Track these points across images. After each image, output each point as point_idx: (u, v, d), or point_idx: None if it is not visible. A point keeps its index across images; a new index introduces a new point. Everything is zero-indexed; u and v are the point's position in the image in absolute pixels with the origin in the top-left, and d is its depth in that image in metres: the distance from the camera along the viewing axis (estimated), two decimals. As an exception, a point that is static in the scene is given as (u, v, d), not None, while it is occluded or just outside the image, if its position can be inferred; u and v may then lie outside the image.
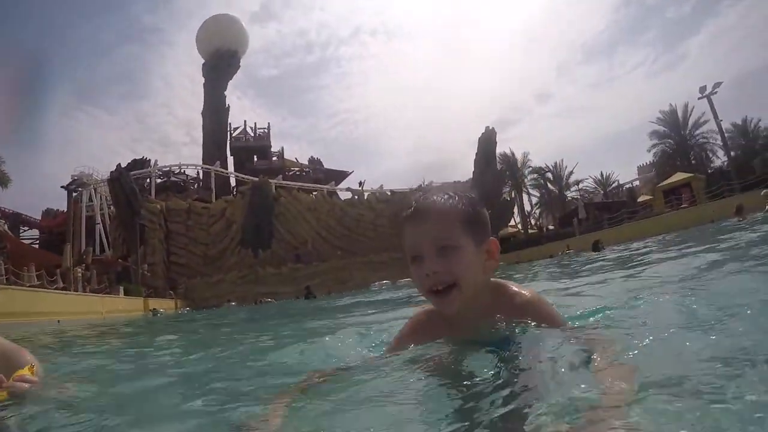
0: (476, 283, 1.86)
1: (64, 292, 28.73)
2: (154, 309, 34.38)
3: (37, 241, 64.07)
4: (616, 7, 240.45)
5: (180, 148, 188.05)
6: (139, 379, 3.05)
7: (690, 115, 60.69)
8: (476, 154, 64.48)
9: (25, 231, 65.85)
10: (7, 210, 57.28)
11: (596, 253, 18.44)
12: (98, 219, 59.83)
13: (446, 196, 1.90)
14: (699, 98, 44.50)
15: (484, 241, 1.88)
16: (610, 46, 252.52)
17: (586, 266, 12.05)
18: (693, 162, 59.51)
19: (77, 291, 31.17)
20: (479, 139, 64.65)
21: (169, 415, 1.90)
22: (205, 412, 1.81)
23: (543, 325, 1.88)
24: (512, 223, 69.38)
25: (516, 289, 2.01)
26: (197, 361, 4.01)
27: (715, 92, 43.10)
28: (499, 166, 66.11)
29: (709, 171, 52.11)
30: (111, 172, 53.60)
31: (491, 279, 2.00)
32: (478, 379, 1.58)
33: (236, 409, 1.70)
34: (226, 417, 1.65)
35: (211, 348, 4.83)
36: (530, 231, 68.34)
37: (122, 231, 52.79)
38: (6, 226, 49.39)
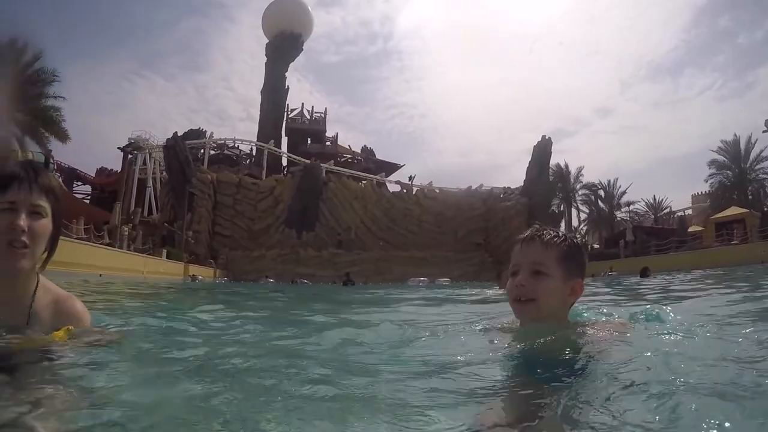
0: (552, 308, 2.28)
1: (109, 248, 29.18)
2: (194, 275, 34.80)
3: (89, 197, 65.50)
4: (686, 27, 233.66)
5: (236, 123, 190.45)
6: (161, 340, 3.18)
7: (753, 148, 59.03)
8: (529, 162, 63.41)
9: (78, 186, 67.25)
10: (63, 164, 58.53)
11: (644, 279, 17.89)
12: (150, 182, 60.86)
13: (554, 233, 2.37)
14: (764, 131, 42.99)
15: (572, 278, 2.28)
16: (678, 66, 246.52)
17: (632, 290, 11.73)
18: (750, 198, 57.72)
19: (122, 249, 31.64)
20: (534, 147, 63.48)
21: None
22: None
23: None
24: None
25: (587, 331, 2.32)
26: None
27: None
28: (551, 177, 64.92)
29: (766, 209, 50.34)
30: (167, 138, 54.53)
31: (568, 317, 2.41)
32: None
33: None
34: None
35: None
36: (575, 247, 67.01)
37: (172, 197, 53.60)
38: (61, 180, 50.45)
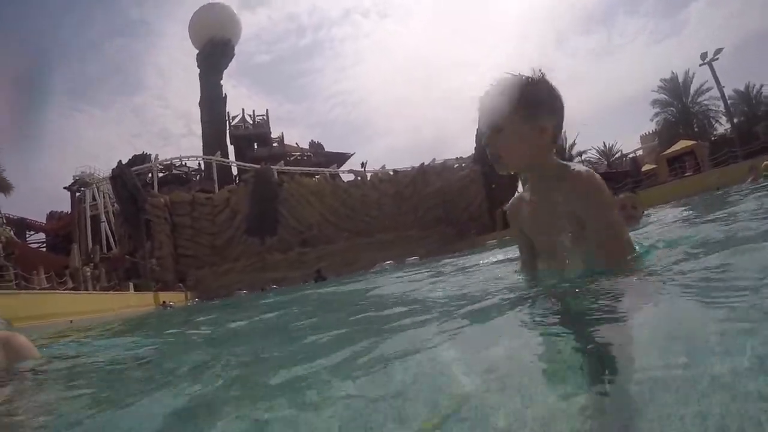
0: (524, 158, 2.30)
1: (74, 292, 28.91)
2: (164, 302, 34.56)
3: (44, 245, 64.43)
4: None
5: (179, 140, 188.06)
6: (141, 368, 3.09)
7: (692, 82, 60.30)
8: (477, 129, 63.83)
9: (31, 235, 66.04)
10: (11, 216, 57.35)
11: None
12: (103, 217, 59.89)
13: (503, 83, 2.27)
14: (700, 65, 43.86)
15: (533, 120, 2.19)
16: (609, 15, 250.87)
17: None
18: (696, 130, 59.04)
19: (87, 290, 31.37)
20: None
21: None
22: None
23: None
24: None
25: (577, 168, 2.28)
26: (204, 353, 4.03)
27: (717, 59, 42.39)
28: (500, 139, 65.50)
29: (713, 138, 51.78)
30: (112, 169, 53.70)
31: (554, 160, 2.35)
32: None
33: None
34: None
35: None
36: (534, 203, 67.84)
37: (128, 227, 52.98)
38: (12, 232, 49.53)
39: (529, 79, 2.25)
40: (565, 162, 2.36)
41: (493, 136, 2.31)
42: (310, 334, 3.09)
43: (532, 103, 2.21)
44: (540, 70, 2.32)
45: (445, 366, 1.57)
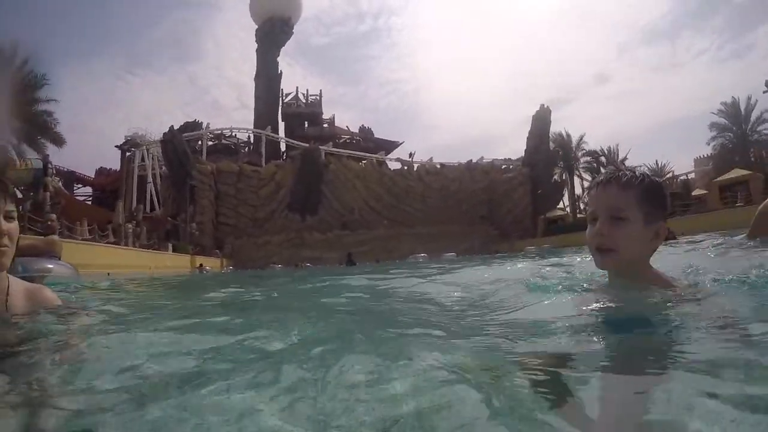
0: (635, 255, 2.12)
1: (115, 246, 29.16)
2: (201, 265, 34.90)
3: (90, 198, 65.51)
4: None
5: (230, 112, 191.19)
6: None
7: (753, 109, 58.44)
8: (529, 132, 63.22)
9: (78, 188, 67.22)
10: (62, 168, 58.36)
11: (670, 241, 17.61)
12: (150, 178, 60.62)
13: (631, 174, 2.16)
14: (764, 92, 42.44)
15: (654, 221, 2.10)
16: (674, 29, 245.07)
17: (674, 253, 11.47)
18: (752, 160, 57.11)
19: (128, 246, 31.62)
20: (533, 116, 63.18)
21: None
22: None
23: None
24: (561, 205, 67.82)
25: (669, 280, 2.21)
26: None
27: None
28: (552, 146, 64.54)
29: None
30: (164, 133, 54.29)
31: (651, 264, 2.21)
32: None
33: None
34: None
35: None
36: (579, 215, 66.82)
37: (173, 191, 53.54)
38: (61, 183, 50.39)
39: (657, 182, 2.23)
40: (657, 272, 2.23)
41: (612, 223, 2.10)
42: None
43: (660, 206, 2.17)
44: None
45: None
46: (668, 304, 2.00)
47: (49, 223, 8.53)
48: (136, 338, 2.23)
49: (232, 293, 6.21)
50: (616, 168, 2.30)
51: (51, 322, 2.35)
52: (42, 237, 8.87)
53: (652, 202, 2.10)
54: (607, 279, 2.33)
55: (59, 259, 8.48)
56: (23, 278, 7.19)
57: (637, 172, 2.18)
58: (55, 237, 9.22)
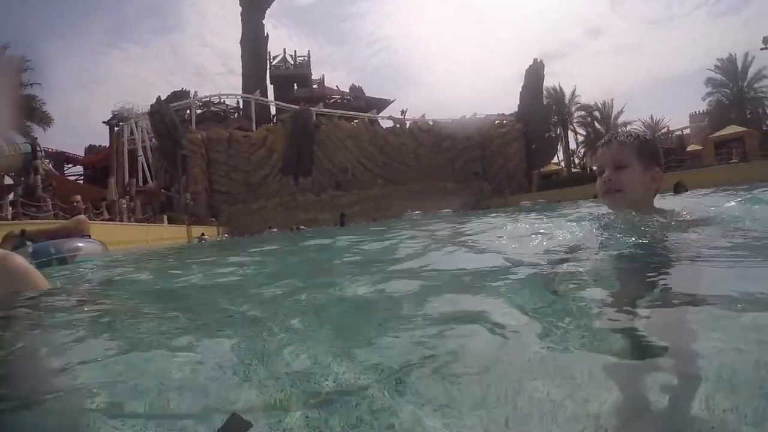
0: (637, 194, 2.59)
1: (110, 222, 29.26)
2: (202, 234, 35.11)
3: (82, 177, 65.31)
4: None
5: (216, 78, 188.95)
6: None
7: (750, 66, 57.74)
8: (522, 87, 62.70)
9: (69, 168, 66.94)
10: (50, 149, 58.02)
11: (677, 195, 17.58)
12: (140, 152, 60.25)
13: (627, 133, 2.72)
14: (761, 49, 41.75)
15: (650, 168, 2.58)
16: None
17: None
18: (749, 116, 56.51)
19: (123, 221, 31.72)
20: (526, 71, 62.56)
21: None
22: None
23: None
24: (555, 160, 67.64)
25: (668, 212, 2.64)
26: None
27: None
28: (545, 101, 64.05)
29: (765, 128, 49.56)
30: (151, 105, 53.95)
31: (655, 203, 2.69)
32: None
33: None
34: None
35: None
36: (573, 170, 66.71)
37: (164, 162, 53.50)
38: (51, 165, 50.19)
39: (650, 138, 2.79)
40: (660, 208, 2.68)
41: (616, 171, 2.62)
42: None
43: (653, 156, 2.63)
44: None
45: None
46: (660, 225, 2.45)
47: (75, 204, 8.78)
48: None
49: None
50: (614, 131, 2.87)
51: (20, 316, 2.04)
52: (72, 218, 9.05)
53: (646, 153, 2.58)
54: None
55: (89, 237, 8.92)
56: (57, 259, 7.41)
57: (632, 132, 2.74)
58: (82, 216, 9.40)
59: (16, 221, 20.73)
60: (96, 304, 2.46)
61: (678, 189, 19.81)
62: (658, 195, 2.70)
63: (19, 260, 2.24)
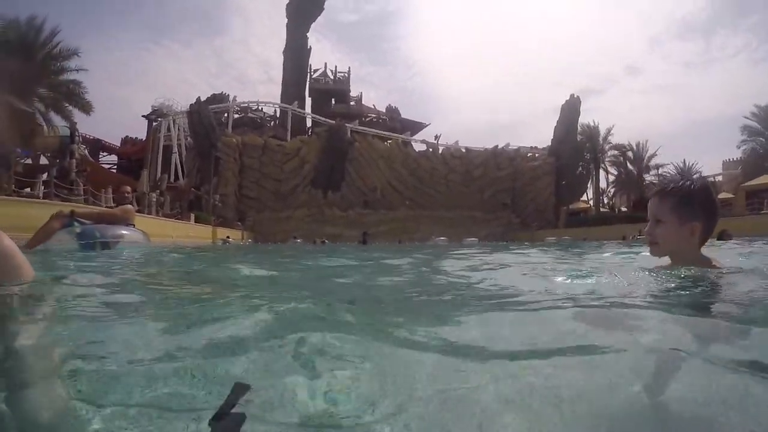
0: (674, 246, 2.74)
1: (138, 214, 29.31)
2: (227, 237, 35.18)
3: (116, 167, 66.10)
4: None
5: (257, 86, 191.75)
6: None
7: None
8: (557, 121, 62.41)
9: (104, 156, 67.86)
10: (88, 136, 58.86)
11: (721, 242, 17.17)
12: (175, 149, 60.98)
13: (673, 185, 2.74)
14: None
15: (688, 222, 2.65)
16: (709, 25, 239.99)
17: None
18: None
19: (151, 214, 31.82)
20: (562, 106, 62.32)
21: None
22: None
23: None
24: (584, 198, 67.05)
25: (711, 262, 2.73)
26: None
27: None
28: (579, 137, 63.63)
29: None
30: (191, 104, 54.57)
31: (702, 254, 2.76)
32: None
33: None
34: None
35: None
36: (602, 209, 65.99)
37: (198, 161, 53.91)
38: (87, 151, 50.82)
39: (693, 186, 2.71)
40: (707, 257, 2.76)
41: (656, 224, 2.77)
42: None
43: (693, 209, 2.67)
44: (702, 176, 3.04)
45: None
46: (703, 275, 2.58)
47: (125, 194, 8.95)
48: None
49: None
50: (664, 180, 3.41)
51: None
52: (119, 206, 9.31)
53: (685, 207, 2.68)
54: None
55: (134, 226, 9.42)
56: (101, 243, 7.55)
57: (679, 181, 2.76)
58: (130, 206, 9.66)
59: (46, 201, 20.90)
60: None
61: (722, 237, 19.32)
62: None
63: (7, 241, 2.01)
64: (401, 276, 4.87)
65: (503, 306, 2.54)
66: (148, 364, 1.39)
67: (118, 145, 70.07)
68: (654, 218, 2.78)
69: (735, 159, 65.18)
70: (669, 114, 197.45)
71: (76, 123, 35.85)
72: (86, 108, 38.02)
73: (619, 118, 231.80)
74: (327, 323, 1.97)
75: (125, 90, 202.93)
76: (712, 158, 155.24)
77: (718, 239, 18.97)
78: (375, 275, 4.87)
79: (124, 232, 8.43)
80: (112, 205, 28.60)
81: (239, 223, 49.05)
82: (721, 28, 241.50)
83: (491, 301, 2.76)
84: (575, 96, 62.07)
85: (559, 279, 3.14)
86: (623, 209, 62.91)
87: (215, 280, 4.14)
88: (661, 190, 2.80)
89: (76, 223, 8.02)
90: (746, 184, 44.61)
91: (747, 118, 59.85)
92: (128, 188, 10.68)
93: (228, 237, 35.37)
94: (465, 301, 2.90)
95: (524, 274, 3.95)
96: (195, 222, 38.54)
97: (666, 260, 2.88)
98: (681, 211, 2.67)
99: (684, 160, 70.54)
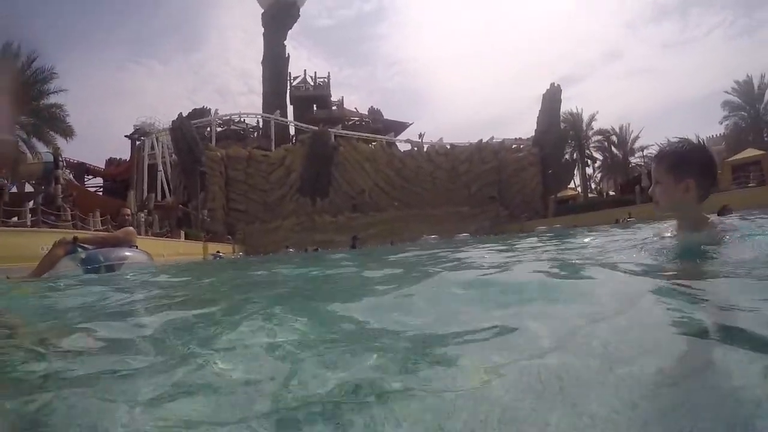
0: (673, 204, 2.96)
1: (105, 235, 29.29)
2: (218, 252, 35.20)
3: (102, 189, 65.93)
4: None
5: (237, 97, 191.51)
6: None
7: (767, 87, 57.51)
8: (539, 111, 62.72)
9: (89, 179, 67.62)
10: (72, 160, 58.73)
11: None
12: (160, 167, 60.81)
13: (666, 149, 3.03)
14: None
15: (681, 180, 2.84)
16: (683, 5, 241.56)
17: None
18: (766, 139, 56.33)
19: (140, 235, 31.83)
20: (543, 95, 62.60)
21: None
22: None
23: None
24: (572, 185, 67.47)
25: (708, 222, 2.95)
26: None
27: None
28: (562, 125, 64.03)
29: None
30: (173, 120, 54.50)
31: (701, 213, 2.96)
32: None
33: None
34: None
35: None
36: (590, 195, 66.46)
37: (183, 178, 53.84)
38: (71, 176, 50.73)
39: (687, 146, 2.95)
40: (706, 216, 2.98)
41: (654, 185, 3.02)
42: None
43: (684, 166, 2.88)
44: (700, 138, 3.33)
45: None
46: (700, 238, 2.79)
47: (125, 216, 9.17)
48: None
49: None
50: (663, 146, 3.16)
51: None
52: (122, 229, 9.55)
53: (679, 167, 2.87)
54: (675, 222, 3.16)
55: (136, 247, 9.43)
56: (105, 267, 7.82)
57: (669, 147, 3.01)
58: (131, 228, 9.89)
59: (35, 228, 20.98)
60: None
61: (723, 212, 19.48)
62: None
63: None
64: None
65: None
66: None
67: (103, 167, 69.84)
68: (654, 180, 3.02)
69: (718, 135, 65.81)
70: (650, 96, 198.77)
71: (59, 148, 35.87)
72: (67, 132, 38.07)
73: (601, 104, 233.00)
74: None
75: (107, 111, 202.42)
76: (695, 136, 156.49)
77: (719, 214, 19.19)
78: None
79: (128, 253, 8.59)
80: (101, 228, 28.70)
81: (229, 237, 49.03)
82: (695, 7, 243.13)
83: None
84: (555, 85, 62.40)
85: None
86: (611, 193, 63.32)
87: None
88: (658, 153, 3.10)
89: (80, 249, 8.18)
90: (731, 158, 44.93)
91: (728, 93, 60.51)
92: (128, 210, 10.88)
93: (219, 252, 35.38)
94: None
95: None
96: (185, 239, 38.60)
97: (673, 225, 3.19)
98: (676, 170, 2.88)
99: (668, 140, 71.30)
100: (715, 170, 3.01)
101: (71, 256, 8.01)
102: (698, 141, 3.05)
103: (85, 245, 8.42)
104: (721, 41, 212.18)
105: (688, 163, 2.89)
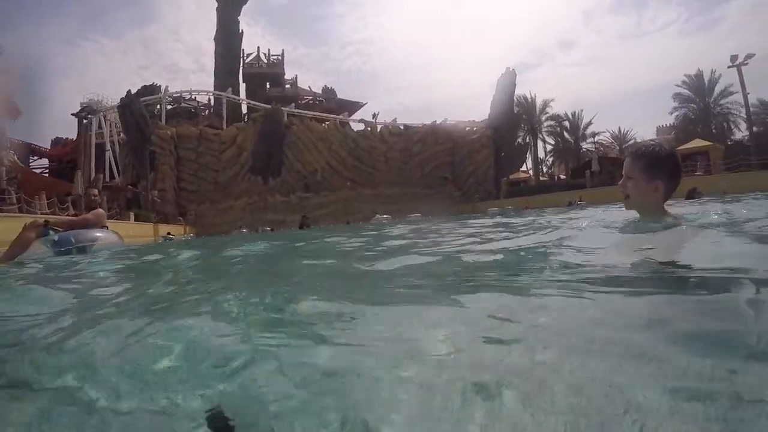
0: (642, 200, 3.21)
1: (76, 218, 28.80)
2: (168, 233, 34.83)
3: (48, 170, 64.34)
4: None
5: (188, 75, 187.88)
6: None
7: (717, 83, 59.85)
8: (494, 95, 63.50)
9: (35, 160, 65.93)
10: (17, 140, 57.08)
11: (692, 201, 17.58)
12: (108, 146, 59.46)
13: (643, 148, 3.25)
14: (729, 67, 42.88)
15: (652, 180, 3.12)
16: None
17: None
18: (714, 131, 59.16)
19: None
20: (498, 80, 63.57)
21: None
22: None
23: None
24: (524, 168, 68.75)
25: (672, 215, 3.21)
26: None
27: (746, 63, 41.34)
28: (516, 110, 65.00)
29: (729, 143, 51.14)
30: (121, 98, 53.20)
31: (666, 208, 3.24)
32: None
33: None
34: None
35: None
36: (542, 178, 67.85)
37: (132, 157, 52.82)
38: (16, 157, 49.38)
39: (662, 150, 3.20)
40: (666, 210, 3.25)
41: (626, 180, 3.25)
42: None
43: (658, 170, 3.13)
44: (672, 142, 3.55)
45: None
46: (661, 227, 3.03)
47: (93, 198, 9.13)
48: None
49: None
50: (636, 144, 4.19)
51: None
52: (92, 211, 9.55)
53: (652, 168, 3.11)
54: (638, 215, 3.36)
55: (107, 228, 9.68)
56: (77, 248, 7.93)
57: (645, 147, 3.24)
58: (101, 210, 9.93)
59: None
60: None
61: (693, 195, 20.05)
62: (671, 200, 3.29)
63: None
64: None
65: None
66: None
67: (49, 147, 68.10)
68: (627, 175, 3.26)
69: (668, 125, 68.30)
70: (604, 85, 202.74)
71: (2, 128, 34.93)
72: (13, 112, 37.03)
73: (555, 90, 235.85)
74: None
75: (54, 88, 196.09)
76: (645, 125, 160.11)
77: (687, 198, 19.76)
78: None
79: (98, 234, 8.72)
80: (48, 211, 28.15)
81: (180, 218, 48.44)
82: (653, 2, 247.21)
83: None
84: (511, 69, 63.28)
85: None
86: (562, 177, 64.85)
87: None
88: (635, 151, 3.28)
89: (51, 232, 8.23)
90: (680, 148, 46.34)
91: (678, 86, 63.24)
92: (95, 191, 10.86)
93: (169, 233, 35.00)
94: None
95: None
96: (135, 221, 38.08)
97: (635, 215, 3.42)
98: (649, 171, 3.13)
99: (619, 128, 73.30)
100: (681, 175, 3.30)
101: (43, 239, 8.08)
102: (669, 146, 3.43)
103: (56, 228, 8.50)
104: (675, 36, 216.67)
105: (661, 165, 3.17)
